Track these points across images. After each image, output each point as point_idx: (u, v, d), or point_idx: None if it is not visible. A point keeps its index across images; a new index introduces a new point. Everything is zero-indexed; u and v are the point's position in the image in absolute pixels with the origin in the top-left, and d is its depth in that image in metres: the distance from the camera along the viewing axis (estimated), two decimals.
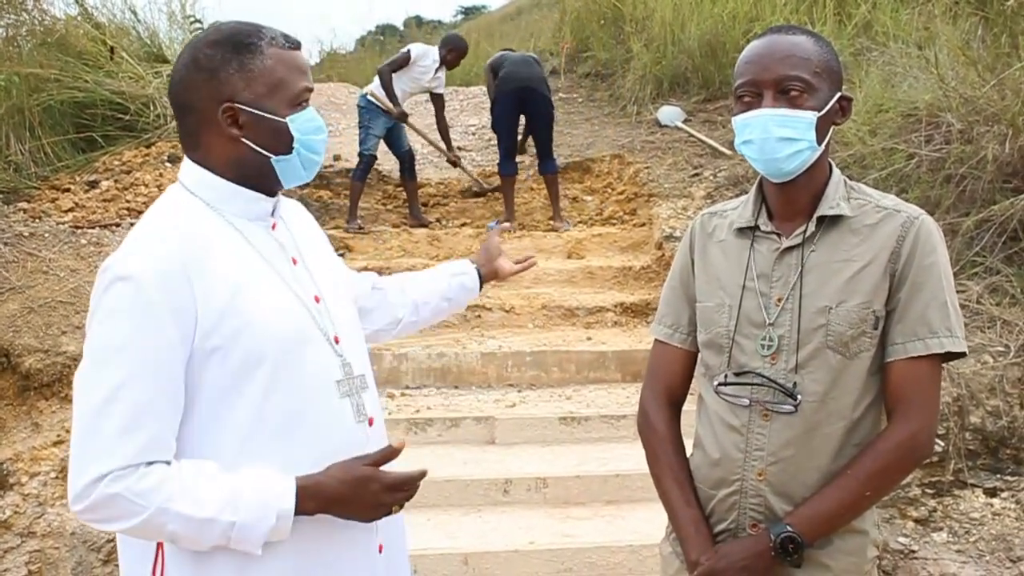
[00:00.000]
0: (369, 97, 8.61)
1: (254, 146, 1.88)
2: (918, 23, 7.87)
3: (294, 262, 1.98)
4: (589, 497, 4.87)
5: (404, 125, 8.88)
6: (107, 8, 9.37)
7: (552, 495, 4.85)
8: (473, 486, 4.84)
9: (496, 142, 9.00)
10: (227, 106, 1.85)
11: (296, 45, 1.93)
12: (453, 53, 9.12)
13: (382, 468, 1.90)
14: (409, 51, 8.72)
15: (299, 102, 1.90)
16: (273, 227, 1.99)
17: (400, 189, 9.48)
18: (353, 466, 1.85)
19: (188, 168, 1.94)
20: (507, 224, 2.68)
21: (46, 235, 6.08)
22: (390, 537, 2.04)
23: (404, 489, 1.90)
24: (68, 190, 7.17)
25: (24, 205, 6.79)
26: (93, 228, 6.34)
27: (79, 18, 8.93)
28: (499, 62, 9.12)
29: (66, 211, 6.73)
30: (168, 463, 1.74)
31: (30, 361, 5.05)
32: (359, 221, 8.58)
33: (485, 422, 5.47)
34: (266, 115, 1.87)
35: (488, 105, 9.73)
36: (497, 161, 8.94)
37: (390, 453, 1.91)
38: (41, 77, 7.85)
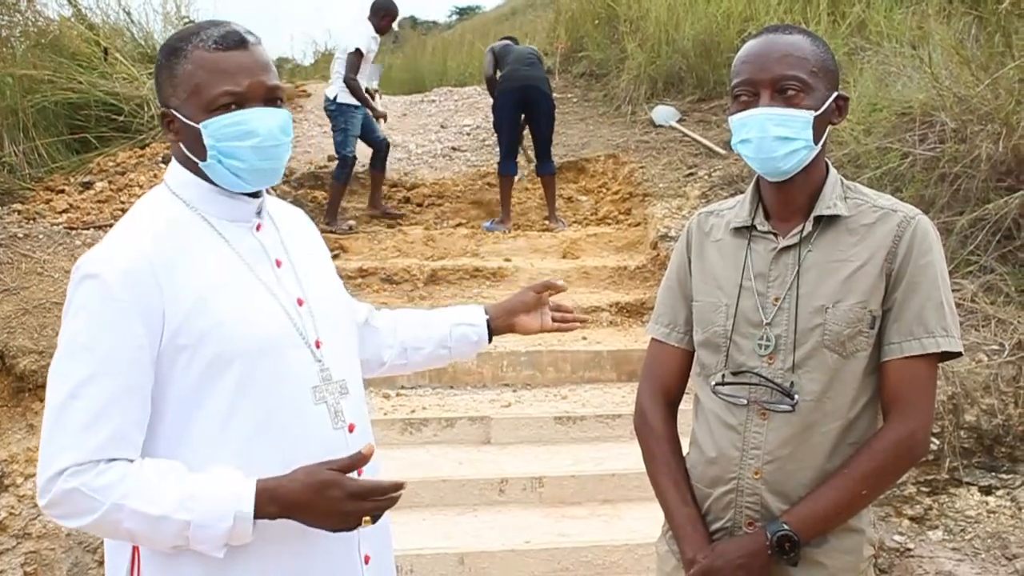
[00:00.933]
0: (339, 100, 8.46)
1: (186, 151, 1.88)
2: (912, 22, 7.88)
3: (278, 264, 1.95)
4: (585, 496, 4.87)
5: (373, 122, 8.81)
6: (101, 9, 9.38)
7: (548, 494, 4.86)
8: (469, 486, 4.85)
9: (496, 141, 8.95)
10: (163, 111, 1.88)
11: (231, 46, 1.84)
12: (386, 19, 8.93)
13: (365, 477, 1.85)
14: (358, 50, 8.57)
15: (215, 107, 1.82)
16: (258, 228, 1.97)
17: (395, 189, 9.48)
18: (317, 470, 1.77)
19: (172, 168, 1.95)
20: (562, 284, 2.50)
21: (40, 236, 6.07)
22: (378, 548, 2.01)
23: (371, 499, 1.79)
24: (62, 191, 7.16)
25: (18, 206, 6.78)
26: (87, 229, 6.32)
27: (73, 19, 8.91)
28: (502, 52, 9.07)
29: (60, 212, 6.71)
30: (131, 460, 1.73)
31: (25, 362, 5.04)
32: (351, 222, 8.57)
33: (480, 422, 5.47)
34: (186, 121, 1.84)
35: (476, 93, 9.67)
36: (494, 160, 8.92)
37: (358, 459, 1.81)
38: (35, 78, 7.84)
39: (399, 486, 1.82)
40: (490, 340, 2.45)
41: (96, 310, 1.74)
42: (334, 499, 1.75)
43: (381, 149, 8.87)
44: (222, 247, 1.88)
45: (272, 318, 1.87)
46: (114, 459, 1.71)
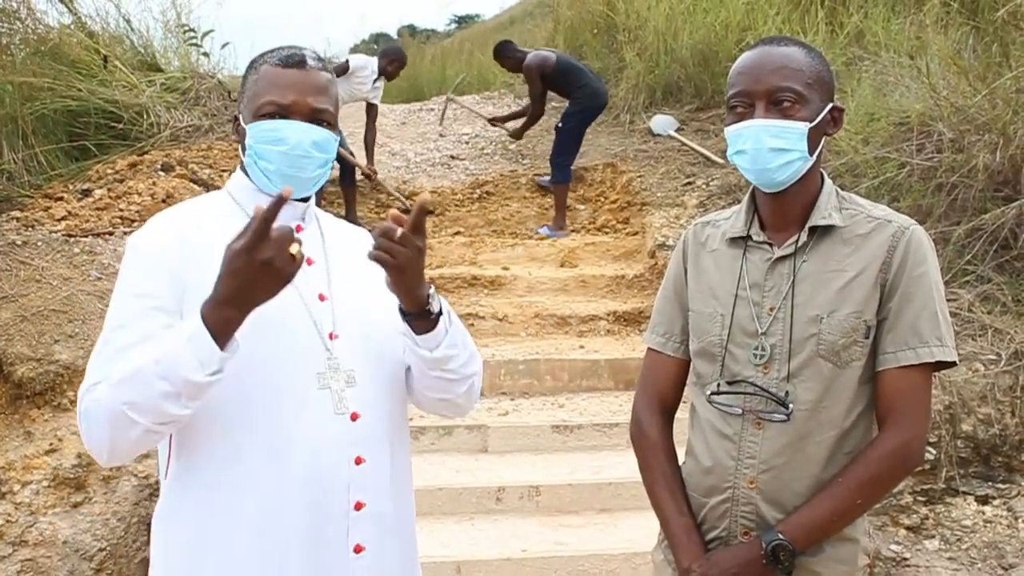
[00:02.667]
0: None
1: (240, 149, 2.09)
2: (909, 33, 7.90)
3: (308, 262, 2.03)
4: (582, 505, 4.87)
5: (343, 139, 8.84)
6: (101, 17, 9.41)
7: (545, 503, 4.86)
8: (466, 494, 4.85)
9: (556, 151, 8.91)
10: (235, 115, 2.11)
11: (292, 64, 2.03)
12: (394, 64, 9.05)
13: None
14: (348, 61, 8.62)
15: (261, 113, 2.00)
16: (298, 229, 2.06)
17: (393, 198, 9.48)
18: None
19: (236, 171, 2.17)
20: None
21: (39, 243, 6.07)
22: (372, 539, 2.00)
23: (263, 221, 1.70)
24: (61, 199, 7.16)
25: (17, 214, 6.77)
26: (86, 236, 6.32)
27: (73, 27, 8.93)
28: (568, 69, 9.05)
29: (59, 220, 6.71)
30: None
31: (22, 370, 5.04)
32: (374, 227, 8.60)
33: (478, 430, 5.47)
34: (240, 122, 2.07)
35: (476, 102, 9.63)
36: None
37: (271, 205, 1.71)
38: (34, 86, 7.85)
39: (280, 197, 1.71)
40: (417, 329, 2.06)
41: (130, 271, 1.96)
42: (235, 252, 1.72)
43: (345, 165, 8.84)
44: None
45: (284, 305, 1.89)
46: None
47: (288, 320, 1.96)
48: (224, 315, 1.76)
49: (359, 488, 1.97)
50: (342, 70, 8.65)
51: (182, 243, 1.96)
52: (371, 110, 9.44)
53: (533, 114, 9.43)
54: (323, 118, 2.03)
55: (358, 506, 1.97)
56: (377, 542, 2.03)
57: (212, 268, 1.81)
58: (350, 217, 8.72)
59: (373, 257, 1.86)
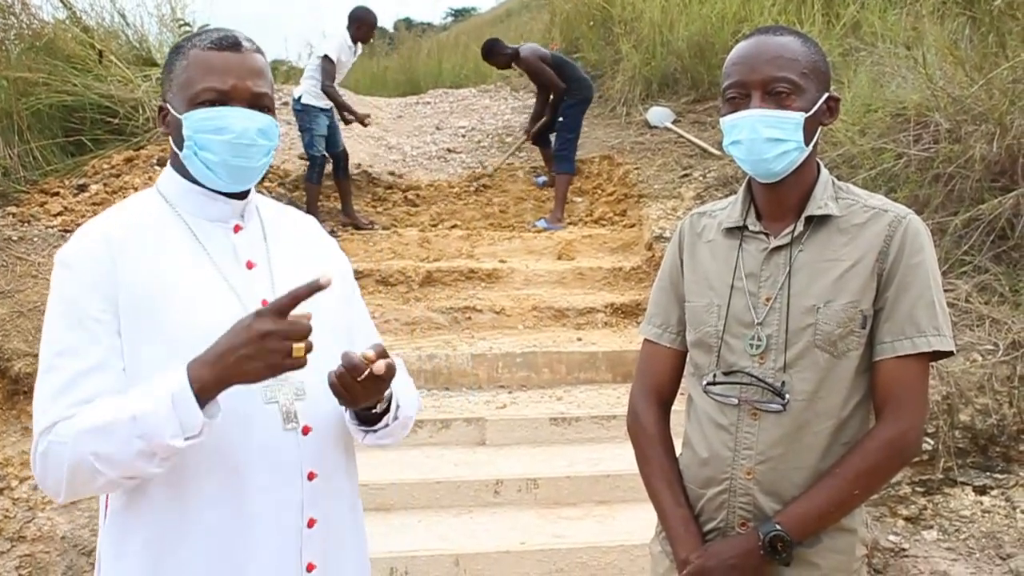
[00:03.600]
0: (304, 101, 8.36)
1: (172, 143, 1.96)
2: (906, 23, 7.90)
3: (249, 266, 1.95)
4: (580, 497, 4.87)
5: (339, 126, 8.78)
6: (96, 12, 9.37)
7: (543, 496, 4.86)
8: (464, 487, 4.85)
9: (561, 144, 8.92)
10: (159, 104, 1.98)
11: (225, 46, 1.90)
12: (363, 29, 8.84)
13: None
14: (328, 56, 8.54)
15: (199, 101, 1.88)
16: (236, 229, 1.98)
17: (390, 191, 9.47)
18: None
19: (165, 169, 2.03)
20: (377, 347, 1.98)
21: (35, 239, 6.07)
22: (324, 556, 1.94)
23: (285, 307, 1.69)
24: (57, 194, 7.15)
25: (13, 209, 6.77)
26: None
27: (68, 22, 8.90)
28: (560, 65, 9.11)
29: (55, 215, 6.71)
30: None
31: (19, 365, 5.03)
32: (373, 221, 8.61)
33: (476, 423, 5.47)
34: (172, 112, 1.93)
35: (471, 95, 9.57)
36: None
37: (283, 299, 1.71)
38: (30, 81, 7.83)
39: (316, 286, 1.71)
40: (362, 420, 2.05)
41: (62, 290, 1.84)
42: (246, 327, 1.69)
43: (339, 159, 8.77)
44: (190, 243, 1.92)
45: (225, 315, 1.81)
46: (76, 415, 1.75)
47: (223, 327, 1.78)
48: (206, 377, 1.69)
49: (312, 505, 1.89)
50: (332, 70, 8.43)
51: (110, 250, 1.84)
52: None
53: (557, 95, 9.28)
54: (264, 103, 1.92)
55: (310, 523, 1.90)
56: (329, 560, 1.96)
57: (144, 271, 1.81)
58: (348, 211, 8.72)
59: (331, 385, 1.79)
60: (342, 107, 8.52)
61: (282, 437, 1.87)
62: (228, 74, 1.88)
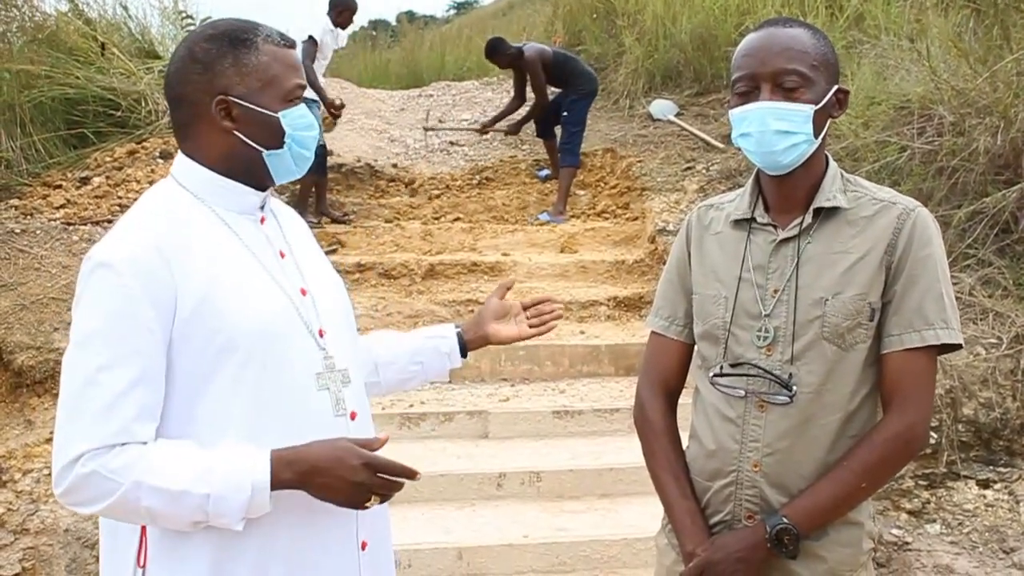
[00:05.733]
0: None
1: (246, 139, 1.91)
2: (910, 16, 7.88)
3: (281, 255, 1.99)
4: (583, 491, 4.88)
5: (320, 120, 8.72)
6: (98, 4, 9.36)
7: (546, 489, 4.86)
8: (467, 480, 4.85)
9: (566, 137, 8.90)
10: (220, 99, 1.88)
11: (291, 44, 1.95)
12: (344, 13, 8.80)
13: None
14: (311, 38, 8.49)
15: (291, 98, 1.92)
16: (262, 221, 2.00)
17: (392, 184, 9.46)
18: (336, 440, 1.81)
19: (179, 161, 1.97)
20: (511, 279, 2.55)
21: (38, 232, 6.07)
22: (375, 534, 2.02)
23: (386, 473, 1.80)
24: (60, 187, 7.16)
25: (15, 202, 6.78)
26: (85, 224, 6.32)
27: (70, 14, 8.89)
28: (563, 61, 9.08)
29: (58, 208, 6.71)
30: (144, 443, 1.75)
31: (22, 358, 5.04)
32: (345, 213, 8.57)
33: (478, 416, 5.47)
34: (259, 109, 1.89)
35: (474, 88, 9.55)
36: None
37: (374, 442, 1.83)
38: (32, 73, 7.83)
39: (412, 473, 1.83)
40: (464, 355, 2.44)
41: (108, 298, 1.76)
42: (349, 466, 1.76)
43: (318, 154, 8.68)
44: (229, 236, 1.91)
45: (277, 307, 1.89)
46: (128, 443, 1.73)
47: (282, 322, 1.89)
48: (288, 479, 1.76)
49: None
50: (314, 51, 8.43)
51: (164, 258, 1.79)
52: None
53: (538, 103, 9.33)
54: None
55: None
56: (377, 537, 2.04)
57: (199, 271, 1.80)
58: (321, 208, 8.59)
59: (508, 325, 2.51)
60: (315, 89, 8.41)
61: (333, 423, 1.92)
62: (301, 71, 1.98)
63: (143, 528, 1.83)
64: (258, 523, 1.79)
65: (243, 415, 1.82)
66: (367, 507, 1.82)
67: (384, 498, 1.84)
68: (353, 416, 1.97)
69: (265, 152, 1.92)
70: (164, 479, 1.70)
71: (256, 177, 1.96)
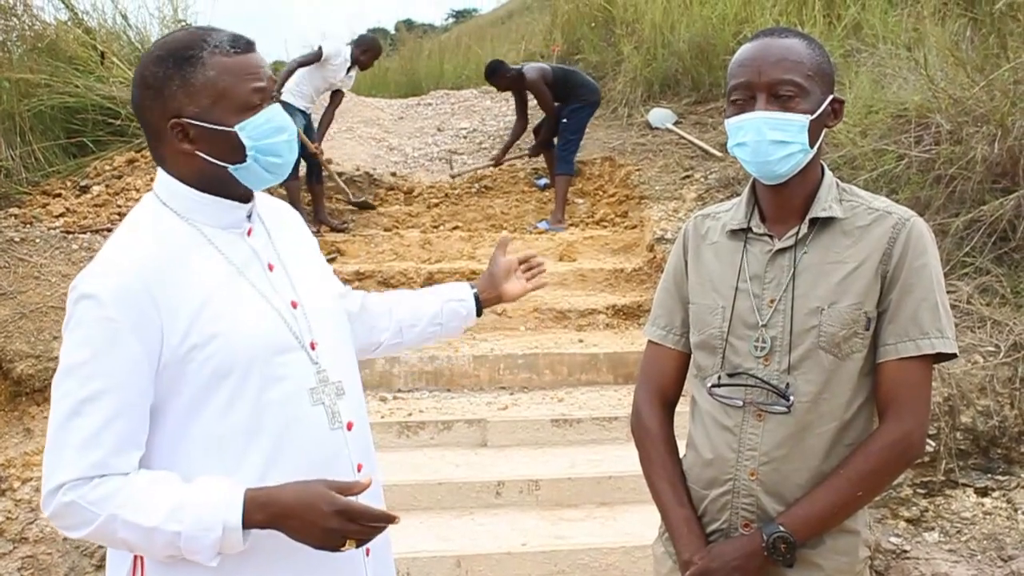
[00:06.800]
0: (283, 99, 8.25)
1: (208, 158, 1.87)
2: (907, 24, 7.90)
3: (270, 268, 1.98)
4: (581, 499, 4.87)
5: (313, 128, 8.76)
6: (98, 13, 9.41)
7: (544, 497, 4.86)
8: (465, 488, 4.85)
9: (563, 144, 8.90)
10: (174, 122, 1.85)
11: (243, 48, 1.87)
12: (368, 54, 8.92)
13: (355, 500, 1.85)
14: (321, 48, 8.53)
15: (249, 107, 1.86)
16: (248, 232, 1.99)
17: (391, 192, 9.47)
18: (310, 483, 1.80)
19: (160, 178, 1.95)
20: (508, 235, 2.61)
21: (37, 240, 6.07)
22: (378, 541, 2.00)
23: (359, 521, 1.79)
24: (59, 195, 7.17)
25: (15, 210, 6.78)
26: (84, 233, 6.33)
27: (70, 23, 8.92)
28: (564, 75, 9.08)
29: (57, 216, 6.72)
30: (126, 474, 1.77)
31: (22, 367, 5.04)
32: (344, 221, 8.57)
33: (477, 425, 5.47)
34: (213, 127, 1.85)
35: (473, 96, 9.56)
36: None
37: (355, 486, 1.82)
38: (32, 82, 7.85)
39: (390, 518, 1.84)
40: (479, 314, 2.53)
41: (93, 330, 1.76)
42: (321, 513, 1.75)
43: (313, 165, 8.66)
44: (214, 255, 1.90)
45: (267, 323, 1.89)
46: (107, 474, 1.75)
47: (272, 340, 1.89)
48: (260, 520, 1.76)
49: (364, 494, 1.89)
50: (315, 57, 8.46)
51: (147, 286, 1.78)
52: (337, 96, 9.21)
53: (549, 126, 9.28)
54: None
55: None
56: (382, 546, 2.05)
57: (183, 297, 1.80)
58: (320, 217, 8.61)
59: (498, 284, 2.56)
60: (279, 85, 8.36)
61: (330, 436, 1.93)
62: (260, 73, 1.88)
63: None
64: (263, 536, 1.80)
65: (237, 436, 1.83)
66: (342, 551, 1.80)
67: (361, 542, 1.83)
68: (350, 427, 1.98)
69: (230, 167, 1.88)
70: (137, 514, 1.73)
71: (233, 191, 1.93)
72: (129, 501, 1.73)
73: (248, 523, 1.75)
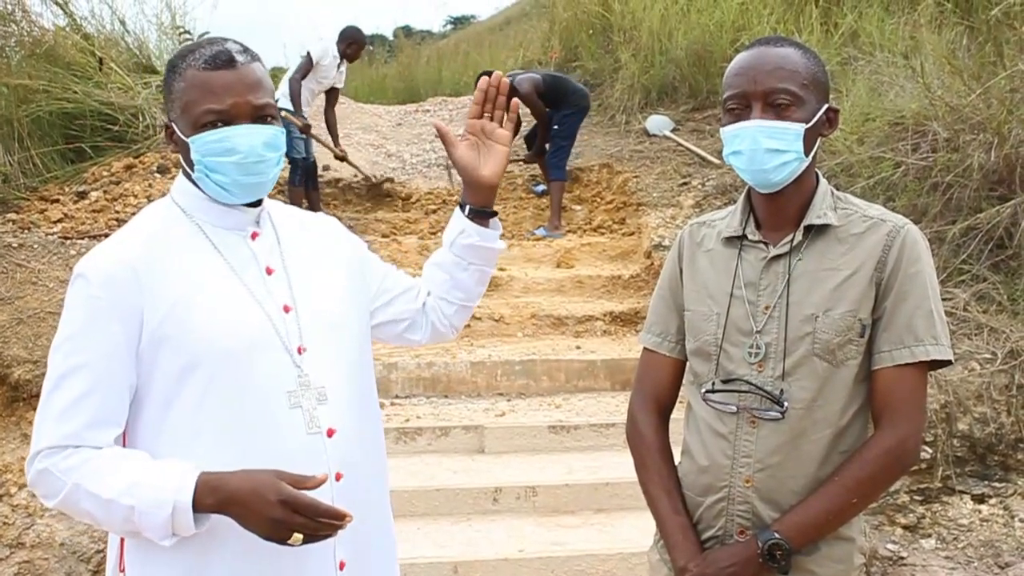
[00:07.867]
0: (281, 104, 8.19)
1: (183, 162, 1.99)
2: (904, 32, 7.91)
3: (268, 271, 2.00)
4: (578, 505, 4.88)
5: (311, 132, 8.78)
6: (96, 19, 9.39)
7: (541, 503, 4.86)
8: (463, 495, 4.85)
9: (554, 151, 8.90)
10: (165, 123, 1.98)
11: (217, 66, 1.89)
12: (353, 46, 8.95)
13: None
14: (309, 54, 8.54)
15: (201, 124, 1.88)
16: (254, 236, 2.01)
17: (390, 199, 9.48)
18: (261, 471, 1.79)
19: (178, 177, 2.03)
20: (439, 124, 2.43)
21: (35, 246, 6.07)
22: (356, 554, 2.00)
23: (304, 514, 1.75)
24: (57, 201, 7.17)
25: (13, 216, 6.79)
26: (82, 239, 6.33)
27: (68, 29, 8.91)
28: (555, 82, 9.06)
29: (55, 222, 6.73)
30: (99, 448, 1.82)
31: (19, 372, 5.04)
32: None
33: (474, 431, 5.47)
34: (180, 135, 1.94)
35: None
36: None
37: (308, 480, 1.78)
38: (30, 88, 7.85)
39: (340, 515, 1.79)
40: (489, 219, 2.32)
41: (79, 308, 1.87)
42: (266, 501, 1.74)
43: (310, 170, 8.71)
44: (211, 254, 1.95)
45: (248, 323, 1.91)
46: (81, 446, 1.82)
47: (250, 340, 1.90)
48: (209, 504, 1.77)
49: (341, 504, 1.86)
50: (309, 66, 8.51)
51: (136, 275, 1.86)
52: (333, 94, 9.25)
53: (543, 135, 9.30)
54: (267, 113, 1.92)
55: None
56: (359, 558, 2.02)
57: (169, 289, 1.86)
58: None
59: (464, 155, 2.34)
60: (295, 106, 8.41)
61: (307, 441, 1.92)
62: (227, 93, 1.88)
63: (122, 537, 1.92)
64: (234, 535, 1.80)
65: (209, 432, 1.86)
66: (290, 544, 1.77)
67: (310, 538, 1.78)
68: (330, 433, 1.95)
69: (194, 175, 1.95)
70: (99, 486, 1.78)
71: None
72: (94, 473, 1.79)
73: (199, 506, 1.76)
